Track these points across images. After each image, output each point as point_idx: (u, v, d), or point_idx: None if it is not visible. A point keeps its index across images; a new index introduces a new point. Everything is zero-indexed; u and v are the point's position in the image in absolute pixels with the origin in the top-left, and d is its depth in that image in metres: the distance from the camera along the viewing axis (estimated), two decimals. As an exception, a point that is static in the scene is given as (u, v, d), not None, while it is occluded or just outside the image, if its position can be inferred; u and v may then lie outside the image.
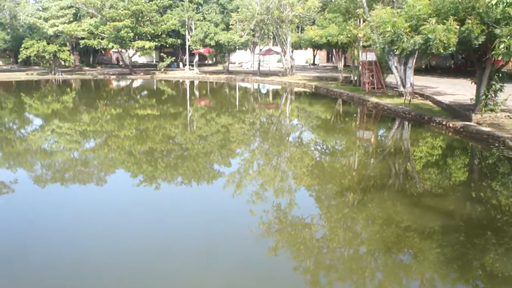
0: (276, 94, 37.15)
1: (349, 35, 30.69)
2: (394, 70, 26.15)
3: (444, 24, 14.99)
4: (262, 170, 12.99)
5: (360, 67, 30.71)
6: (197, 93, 38.81)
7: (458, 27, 14.73)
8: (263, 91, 39.24)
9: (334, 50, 44.73)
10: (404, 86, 25.40)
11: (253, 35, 48.43)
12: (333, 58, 60.63)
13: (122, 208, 9.84)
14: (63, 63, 56.35)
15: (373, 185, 11.10)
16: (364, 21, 28.58)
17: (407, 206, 9.52)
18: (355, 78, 33.49)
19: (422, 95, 25.42)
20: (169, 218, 9.17)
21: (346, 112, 25.49)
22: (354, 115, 24.62)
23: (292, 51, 47.41)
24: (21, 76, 54.62)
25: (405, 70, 25.59)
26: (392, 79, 28.60)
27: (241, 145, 16.85)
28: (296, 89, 37.91)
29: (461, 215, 9.04)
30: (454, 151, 15.01)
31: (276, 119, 23.64)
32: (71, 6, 56.25)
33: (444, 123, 17.47)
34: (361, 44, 30.81)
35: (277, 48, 51.00)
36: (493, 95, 17.28)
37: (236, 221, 9.06)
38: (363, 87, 29.15)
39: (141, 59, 75.55)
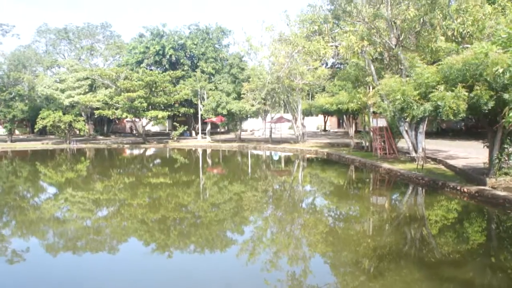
0: (288, 161, 37.27)
1: (359, 102, 31.11)
2: (406, 135, 26.29)
3: (452, 91, 15.18)
4: (275, 238, 12.89)
5: (371, 133, 30.92)
6: (209, 161, 39.05)
7: (466, 93, 14.89)
8: (275, 158, 39.42)
9: (344, 116, 45.22)
10: (416, 151, 25.45)
11: (264, 103, 49.19)
12: (344, 124, 61.24)
13: (134, 277, 9.74)
14: (78, 132, 57.37)
15: (388, 252, 10.94)
16: (373, 88, 29.02)
17: (424, 274, 9.34)
18: (367, 144, 33.64)
19: (434, 159, 25.41)
20: (182, 287, 9.07)
21: (358, 178, 25.43)
22: (367, 181, 24.56)
23: (303, 118, 47.99)
24: (37, 145, 55.67)
25: (416, 135, 25.73)
26: (403, 143, 28.68)
27: (254, 213, 16.79)
28: (308, 155, 38.05)
29: (481, 284, 8.84)
30: (470, 217, 14.82)
31: (289, 186, 23.63)
32: (87, 78, 57.96)
33: (458, 188, 17.36)
34: (371, 110, 31.14)
35: (288, 116, 51.66)
36: (506, 158, 17.24)
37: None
38: (375, 152, 29.23)
39: (154, 128, 76.77)
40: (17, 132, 70.81)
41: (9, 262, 11.00)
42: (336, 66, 57.21)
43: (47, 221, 15.86)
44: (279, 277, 9.28)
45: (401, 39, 25.65)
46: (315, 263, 10.56)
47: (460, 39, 20.94)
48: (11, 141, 57.96)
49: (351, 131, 41.32)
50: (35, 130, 58.25)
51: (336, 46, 27.57)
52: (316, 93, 53.66)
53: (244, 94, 48.38)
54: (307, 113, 54.19)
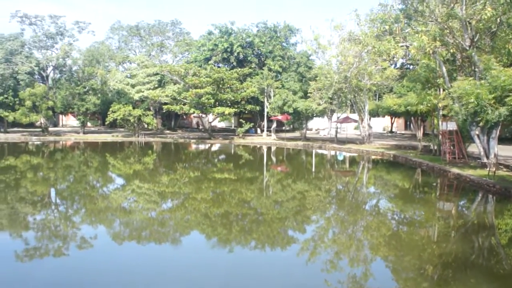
0: (353, 162, 36.78)
1: (428, 105, 30.24)
2: (477, 140, 25.32)
3: (531, 94, 14.48)
4: (337, 239, 12.73)
5: (440, 136, 30.02)
6: (274, 158, 39.11)
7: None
8: (340, 158, 38.99)
9: (412, 118, 44.13)
10: (487, 157, 24.46)
11: (331, 103, 48.73)
12: (412, 126, 59.66)
13: (195, 269, 9.89)
14: (146, 126, 58.95)
15: (454, 260, 10.57)
16: (444, 90, 28.13)
17: (493, 286, 8.96)
18: (435, 147, 32.71)
19: (507, 166, 24.32)
20: (240, 283, 9.10)
21: (425, 183, 24.73)
22: (434, 185, 23.84)
23: (370, 119, 47.18)
24: (107, 137, 57.70)
25: (488, 140, 24.71)
26: (474, 148, 27.66)
27: (316, 212, 16.66)
28: (373, 157, 37.38)
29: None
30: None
31: (353, 187, 23.30)
32: (157, 74, 59.43)
33: (532, 197, 16.56)
34: (441, 113, 30.22)
35: (355, 116, 50.97)
36: None
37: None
38: (444, 156, 28.36)
39: (220, 124, 77.70)
40: (89, 124, 73.65)
41: (79, 248, 11.44)
42: (405, 67, 55.92)
43: (114, 210, 16.38)
44: (339, 279, 9.16)
45: (475, 40, 24.71)
46: (376, 267, 10.34)
47: (540, 41, 19.94)
48: (84, 133, 60.45)
49: (419, 133, 40.23)
50: (106, 123, 60.33)
51: (407, 47, 26.90)
52: (384, 93, 52.57)
53: (310, 93, 48.09)
54: (373, 113, 53.24)
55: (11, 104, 57.72)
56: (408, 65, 53.09)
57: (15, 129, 67.06)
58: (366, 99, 44.43)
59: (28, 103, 55.20)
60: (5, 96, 57.41)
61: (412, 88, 39.18)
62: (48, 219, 15.00)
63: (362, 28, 33.11)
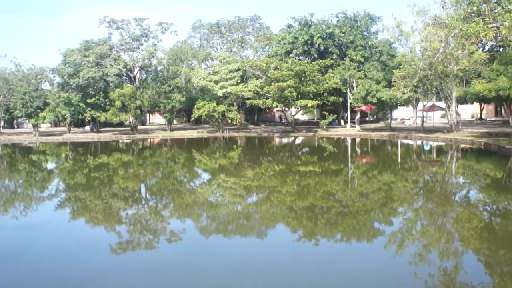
0: (441, 151, 35.56)
1: (523, 88, 28.67)
2: None
3: None
4: (425, 231, 12.41)
5: (536, 122, 28.41)
6: (358, 150, 38.61)
7: None
8: (427, 148, 37.82)
9: (504, 104, 42.02)
10: None
11: (416, 91, 47.33)
12: (503, 112, 56.71)
13: (280, 262, 9.99)
14: (230, 121, 60.05)
15: (553, 252, 10.02)
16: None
17: None
18: (530, 133, 30.98)
19: None
20: (329, 276, 9.10)
21: (520, 171, 23.53)
22: (530, 173, 22.63)
23: (457, 106, 45.38)
24: (193, 133, 59.38)
25: None
26: None
27: (403, 204, 16.30)
28: (462, 146, 35.95)
29: None
30: None
31: (441, 177, 22.57)
32: (239, 69, 60.25)
33: None
34: (536, 97, 28.56)
35: (441, 104, 49.23)
36: None
37: (398, 284, 8.69)
38: (540, 143, 26.83)
39: (303, 117, 77.57)
40: (175, 121, 76.09)
41: (168, 241, 11.89)
42: (495, 49, 53.22)
43: (201, 204, 16.87)
44: (429, 271, 8.94)
45: None
46: (468, 260, 9.99)
47: None
48: (170, 130, 62.53)
49: (512, 119, 38.28)
50: (191, 120, 62.13)
51: (497, 27, 25.57)
52: (471, 79, 50.34)
53: (394, 81, 46.98)
54: (461, 100, 51.09)
55: (102, 105, 60.89)
56: (498, 47, 50.53)
57: (106, 128, 70.61)
58: (453, 86, 42.72)
59: (118, 103, 57.88)
60: (97, 97, 60.59)
61: (503, 71, 37.29)
62: (139, 213, 15.73)
63: (447, 11, 31.82)
